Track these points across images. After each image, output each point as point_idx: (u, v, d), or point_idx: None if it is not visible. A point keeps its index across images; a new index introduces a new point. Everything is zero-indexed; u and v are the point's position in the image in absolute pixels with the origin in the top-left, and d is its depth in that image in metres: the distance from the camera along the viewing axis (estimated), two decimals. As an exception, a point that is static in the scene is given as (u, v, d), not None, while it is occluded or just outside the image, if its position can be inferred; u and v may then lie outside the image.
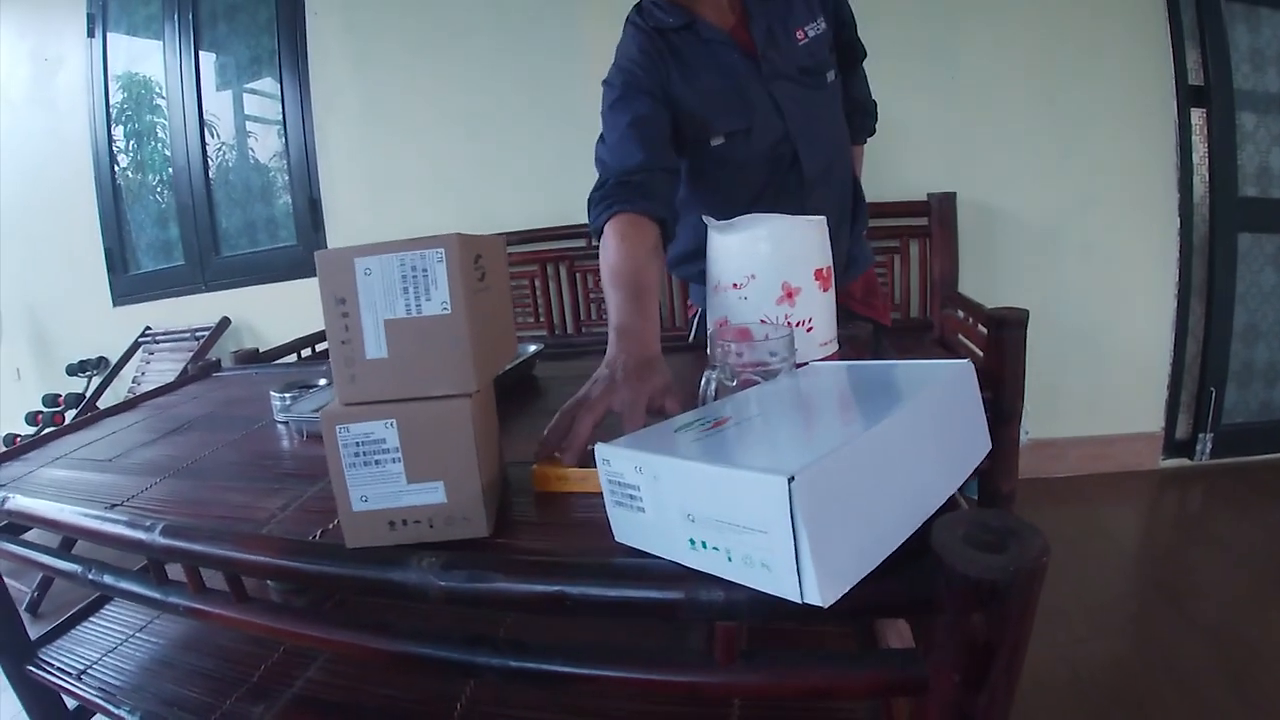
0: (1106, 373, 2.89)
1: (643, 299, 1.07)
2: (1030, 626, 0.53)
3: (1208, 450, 2.93)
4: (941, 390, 0.69)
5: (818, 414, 0.73)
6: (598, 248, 1.26)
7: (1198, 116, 2.74)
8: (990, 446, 0.76)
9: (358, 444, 0.67)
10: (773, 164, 1.46)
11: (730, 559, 0.54)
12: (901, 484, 0.59)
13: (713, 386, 0.81)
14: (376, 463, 0.67)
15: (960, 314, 2.36)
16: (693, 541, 0.57)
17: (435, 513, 0.69)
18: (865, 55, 1.65)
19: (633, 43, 1.41)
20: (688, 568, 0.59)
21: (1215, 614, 2.02)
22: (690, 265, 1.51)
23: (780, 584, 0.51)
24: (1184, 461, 2.97)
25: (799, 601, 0.50)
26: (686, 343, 1.60)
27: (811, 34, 1.43)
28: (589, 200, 1.33)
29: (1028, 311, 1.59)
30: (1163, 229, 2.79)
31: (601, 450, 0.63)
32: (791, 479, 0.48)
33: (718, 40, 1.39)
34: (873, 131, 1.78)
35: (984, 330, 1.78)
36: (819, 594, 0.49)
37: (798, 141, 1.44)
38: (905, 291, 2.80)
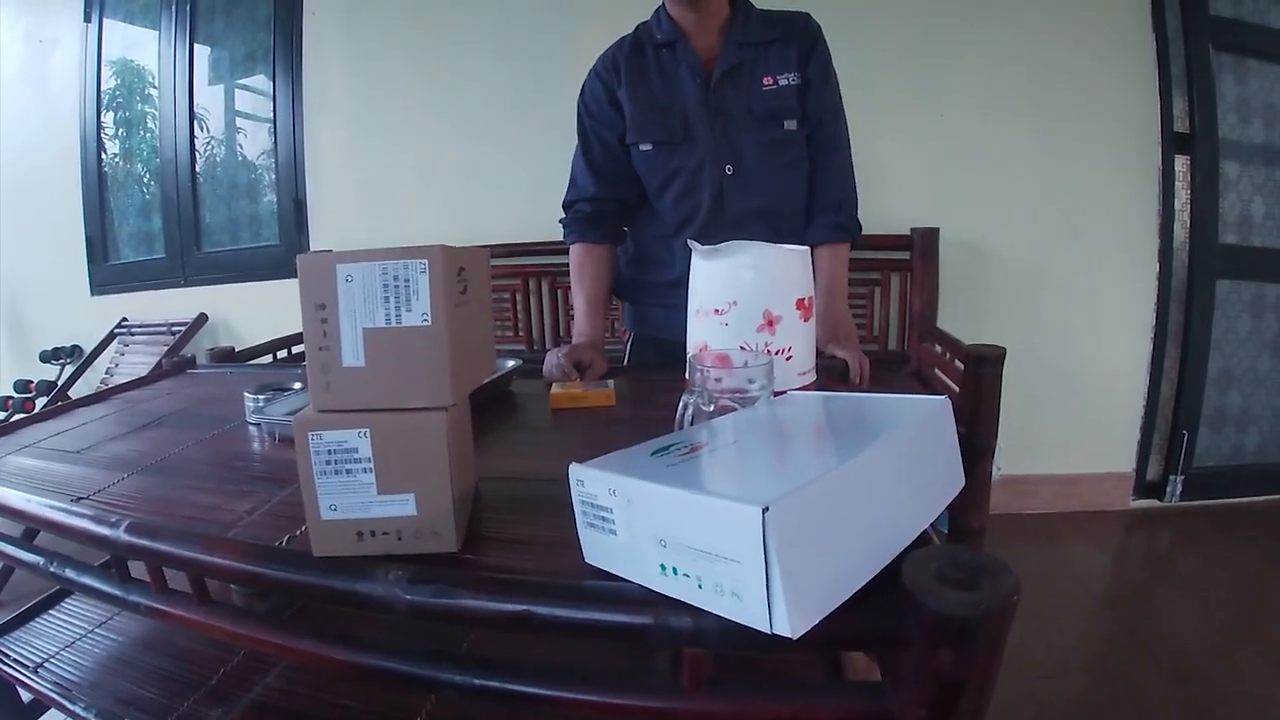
0: (1080, 412, 2.91)
1: (592, 310, 1.63)
2: (999, 664, 0.53)
3: (1178, 492, 2.96)
4: (918, 426, 0.69)
5: (794, 444, 0.73)
6: None
7: (1182, 163, 2.78)
8: (964, 483, 0.76)
9: (330, 452, 0.66)
10: (703, 185, 1.56)
11: (700, 586, 0.54)
12: (875, 518, 0.59)
13: (689, 411, 0.81)
14: (348, 472, 0.67)
15: (938, 349, 2.37)
16: (663, 567, 0.56)
17: (404, 525, 0.69)
18: (840, 139, 1.61)
19: (589, 91, 1.64)
20: (657, 593, 0.58)
21: (1181, 654, 2.03)
22: (626, 278, 1.75)
23: (750, 614, 0.51)
24: (1154, 502, 2.99)
25: (768, 632, 0.50)
26: (622, 366, 1.73)
27: (781, 82, 1.53)
28: (562, 207, 1.69)
29: (1005, 349, 1.60)
30: (1142, 272, 2.82)
31: (576, 471, 0.63)
32: (766, 509, 0.48)
33: (687, 62, 1.55)
34: (847, 234, 1.60)
35: (961, 366, 1.78)
36: (789, 625, 0.49)
37: (723, 174, 1.54)
38: (884, 324, 2.80)
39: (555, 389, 1.32)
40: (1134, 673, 1.95)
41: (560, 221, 1.70)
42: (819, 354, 1.16)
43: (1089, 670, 1.99)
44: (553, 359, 1.45)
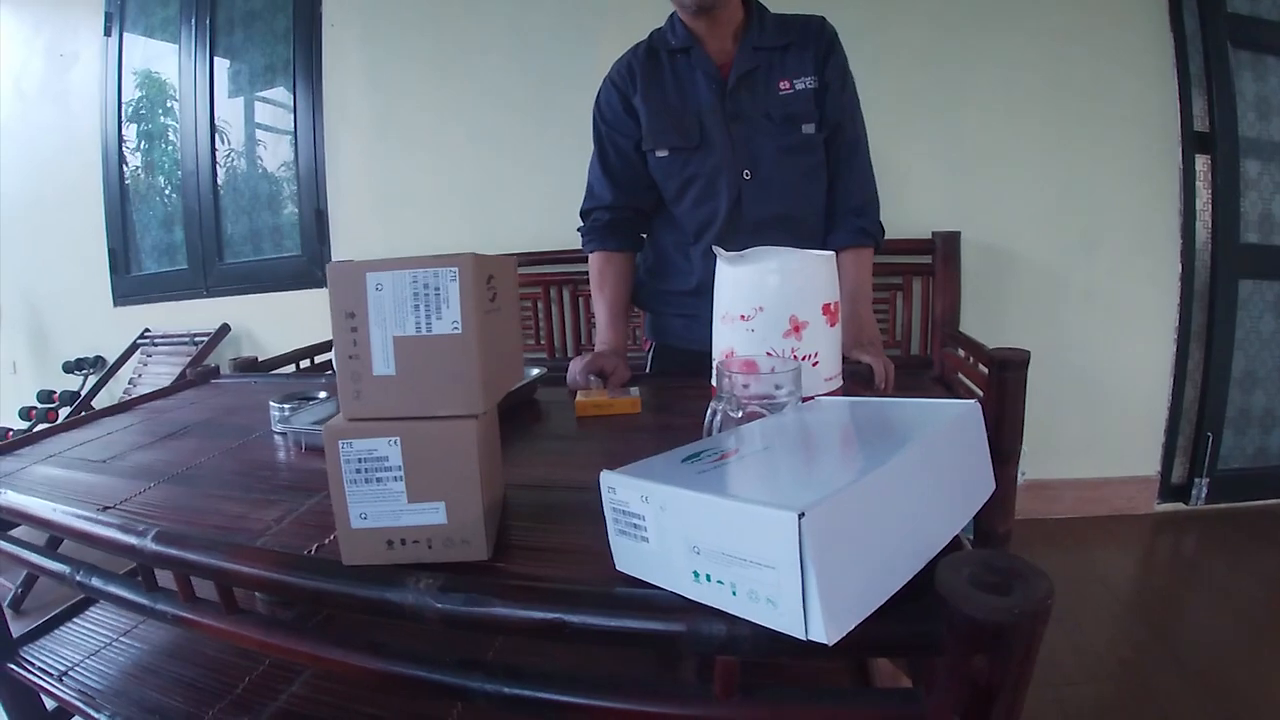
0: (1104, 415, 2.89)
1: (613, 318, 1.64)
2: (1032, 669, 0.52)
3: (1203, 495, 2.93)
4: (949, 430, 0.69)
5: (825, 449, 0.72)
6: None
7: (1202, 163, 2.76)
8: (995, 487, 0.75)
9: (360, 460, 0.66)
10: (720, 190, 1.55)
11: (735, 593, 0.54)
12: (908, 523, 0.59)
13: (718, 418, 0.81)
14: (378, 480, 0.67)
15: (961, 353, 2.35)
16: (696, 574, 0.56)
17: (435, 534, 0.69)
18: (859, 142, 1.61)
19: (604, 99, 1.65)
20: (690, 600, 0.58)
21: (1207, 659, 2.01)
22: (645, 287, 1.76)
23: (785, 620, 0.50)
24: (1179, 506, 2.97)
25: (804, 638, 0.50)
26: (645, 374, 1.75)
27: (799, 86, 1.52)
28: (580, 215, 1.71)
29: (1029, 352, 1.59)
30: (1164, 273, 2.80)
31: (607, 478, 0.63)
32: (802, 515, 0.47)
33: (702, 69, 1.54)
34: (870, 238, 1.60)
35: (985, 370, 1.77)
36: (824, 631, 0.49)
37: (741, 179, 1.53)
38: (906, 329, 2.80)
39: (580, 397, 1.32)
40: (1160, 678, 1.93)
41: (579, 230, 1.71)
42: (844, 359, 1.15)
43: (1115, 676, 1.97)
44: (576, 367, 1.45)
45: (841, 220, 1.59)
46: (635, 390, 1.33)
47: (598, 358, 1.48)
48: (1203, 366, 2.88)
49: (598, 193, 1.67)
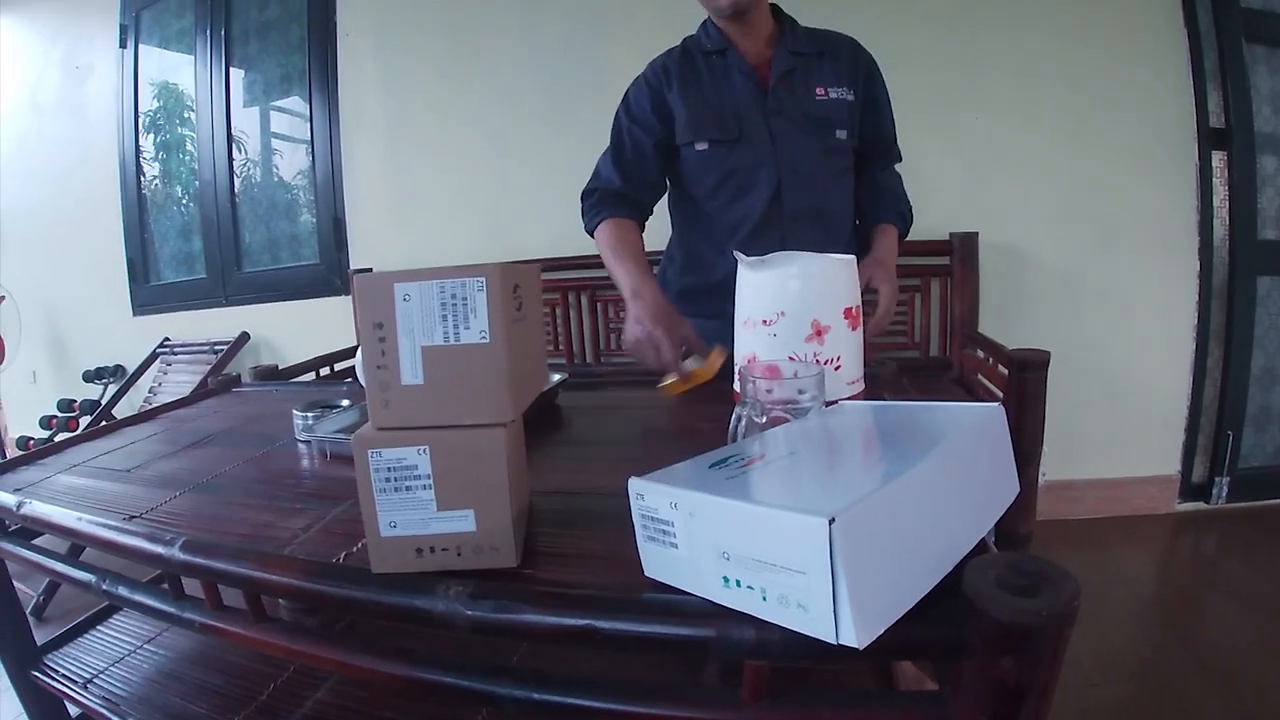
0: (1123, 415, 2.86)
1: (645, 271, 1.51)
2: (1059, 670, 0.53)
3: (1224, 494, 2.90)
4: (974, 433, 0.69)
5: (851, 454, 0.73)
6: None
7: (1218, 159, 2.74)
8: (1019, 490, 0.75)
9: (389, 469, 0.67)
10: (760, 183, 1.57)
11: (765, 598, 0.54)
12: (935, 526, 0.59)
13: (742, 423, 0.81)
14: (407, 489, 0.67)
15: (980, 354, 2.34)
16: (726, 579, 0.56)
17: (464, 541, 0.69)
18: (900, 159, 1.75)
19: (633, 97, 1.67)
20: (719, 605, 0.58)
21: (1229, 659, 1.99)
22: (673, 287, 1.72)
23: (816, 625, 0.51)
24: (1200, 505, 2.94)
25: (834, 642, 0.50)
26: None
27: (833, 95, 1.58)
28: (582, 197, 1.70)
29: (1049, 353, 1.59)
30: (1182, 271, 2.77)
31: (636, 485, 0.63)
32: (832, 520, 0.48)
33: (739, 67, 1.59)
34: (905, 222, 1.69)
35: (1004, 371, 1.77)
36: (855, 635, 0.49)
37: (782, 172, 1.56)
38: (925, 330, 2.78)
39: (667, 381, 1.34)
40: (1182, 679, 1.92)
41: (582, 197, 1.70)
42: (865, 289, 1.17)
43: (1136, 677, 1.96)
44: (650, 348, 1.39)
45: (890, 205, 1.68)
46: (718, 346, 1.33)
47: (671, 329, 1.38)
48: (1222, 364, 2.85)
49: (604, 177, 1.67)
